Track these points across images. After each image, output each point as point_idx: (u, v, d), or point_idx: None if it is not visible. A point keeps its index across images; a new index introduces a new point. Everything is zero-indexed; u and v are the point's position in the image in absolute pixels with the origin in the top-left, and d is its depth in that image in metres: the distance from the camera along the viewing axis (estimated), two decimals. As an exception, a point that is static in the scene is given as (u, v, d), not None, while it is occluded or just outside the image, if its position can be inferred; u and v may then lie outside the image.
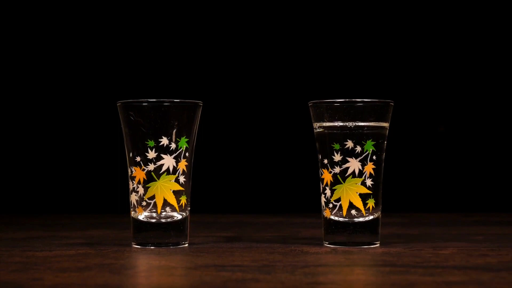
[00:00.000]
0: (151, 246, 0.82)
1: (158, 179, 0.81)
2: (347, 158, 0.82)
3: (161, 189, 0.82)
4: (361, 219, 0.82)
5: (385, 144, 0.84)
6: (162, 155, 0.81)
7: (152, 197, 0.81)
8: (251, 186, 1.47)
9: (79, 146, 1.47)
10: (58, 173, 1.47)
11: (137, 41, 1.48)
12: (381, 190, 0.83)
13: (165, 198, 0.82)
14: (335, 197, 0.82)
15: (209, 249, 0.80)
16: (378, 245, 0.82)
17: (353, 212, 0.82)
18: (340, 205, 0.82)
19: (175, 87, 1.46)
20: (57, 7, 1.46)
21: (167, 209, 0.82)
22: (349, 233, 0.82)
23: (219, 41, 1.49)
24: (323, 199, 0.84)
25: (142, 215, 0.82)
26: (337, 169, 0.82)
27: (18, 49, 1.47)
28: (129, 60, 1.47)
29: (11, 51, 1.47)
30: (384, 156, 0.83)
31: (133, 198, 0.82)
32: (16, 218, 1.29)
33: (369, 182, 0.82)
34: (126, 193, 0.83)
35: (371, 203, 0.82)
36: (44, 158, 1.47)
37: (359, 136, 0.82)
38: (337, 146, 0.82)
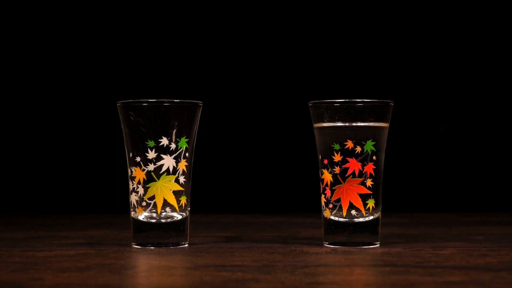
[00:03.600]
0: (151, 246, 0.81)
1: (158, 179, 0.81)
2: (347, 158, 0.82)
3: (161, 189, 0.82)
4: (361, 219, 0.82)
5: (385, 144, 0.84)
6: (162, 155, 0.81)
7: (152, 197, 0.81)
8: (251, 186, 1.47)
9: (79, 146, 1.47)
10: (58, 173, 1.47)
11: (137, 41, 1.48)
12: (381, 190, 0.83)
13: (165, 198, 0.82)
14: (335, 197, 0.82)
15: (209, 249, 0.80)
16: (378, 245, 0.82)
17: (353, 212, 0.82)
18: (340, 205, 0.82)
19: (175, 87, 1.46)
20: (57, 7, 1.46)
21: (167, 209, 0.82)
22: (349, 233, 0.82)
23: (218, 41, 1.49)
24: (323, 199, 0.83)
25: (142, 215, 0.82)
26: (337, 169, 0.82)
27: (18, 49, 1.47)
28: (129, 60, 1.47)
29: (10, 51, 1.47)
30: (384, 156, 0.83)
31: (133, 198, 0.82)
32: (16, 218, 1.29)
33: (369, 182, 0.82)
34: (126, 193, 0.83)
35: (371, 203, 0.82)
36: (44, 158, 1.47)
37: (359, 136, 0.82)
38: (337, 146, 0.82)
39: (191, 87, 1.46)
